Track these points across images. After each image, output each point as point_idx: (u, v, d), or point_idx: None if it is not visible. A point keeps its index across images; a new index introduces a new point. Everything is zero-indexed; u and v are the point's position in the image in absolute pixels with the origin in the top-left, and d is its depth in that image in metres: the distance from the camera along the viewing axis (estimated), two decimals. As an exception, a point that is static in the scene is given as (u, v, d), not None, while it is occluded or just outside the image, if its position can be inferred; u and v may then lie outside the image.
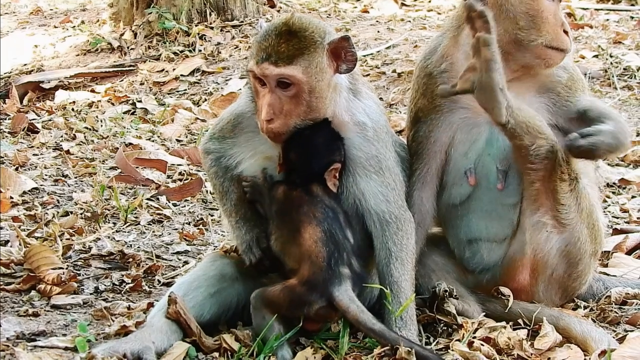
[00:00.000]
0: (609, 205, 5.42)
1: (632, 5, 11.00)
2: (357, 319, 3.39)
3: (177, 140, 7.20)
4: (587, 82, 6.96)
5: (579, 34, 9.00)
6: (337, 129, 3.60)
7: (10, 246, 4.48)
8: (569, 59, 3.85)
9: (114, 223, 5.12)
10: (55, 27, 11.31)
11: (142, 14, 10.01)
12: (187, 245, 4.87)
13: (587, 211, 3.76)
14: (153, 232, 5.04)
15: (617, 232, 4.86)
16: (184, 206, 5.55)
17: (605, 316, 3.81)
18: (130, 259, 4.51)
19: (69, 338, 3.48)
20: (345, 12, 10.88)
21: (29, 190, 5.54)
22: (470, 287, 3.90)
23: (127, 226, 5.10)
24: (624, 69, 7.88)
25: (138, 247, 4.77)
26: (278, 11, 10.45)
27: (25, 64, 10.10)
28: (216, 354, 3.47)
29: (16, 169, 5.94)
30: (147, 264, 4.45)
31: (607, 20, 9.95)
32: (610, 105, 6.94)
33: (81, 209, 5.27)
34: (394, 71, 8.36)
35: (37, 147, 6.70)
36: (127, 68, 9.45)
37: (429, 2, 11.70)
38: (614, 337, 3.58)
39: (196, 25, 9.94)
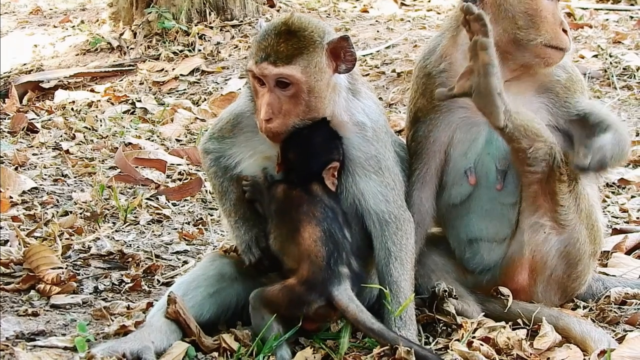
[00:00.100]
0: (608, 205, 5.42)
1: (632, 5, 10.99)
2: (356, 318, 3.39)
3: (176, 140, 7.20)
4: (587, 82, 6.97)
5: (579, 33, 9.00)
6: (336, 128, 3.60)
7: (10, 246, 4.48)
8: (568, 58, 3.85)
9: (114, 223, 5.12)
10: (55, 26, 11.30)
11: (142, 13, 10.01)
12: (187, 245, 4.87)
13: (586, 212, 3.76)
14: (152, 231, 5.04)
15: (616, 232, 4.86)
16: (184, 206, 5.55)
17: (605, 316, 3.81)
18: (130, 259, 4.51)
19: (69, 338, 3.48)
20: (344, 12, 10.88)
21: (28, 190, 5.54)
22: (470, 287, 3.90)
23: (126, 226, 5.10)
24: (624, 68, 7.88)
25: (137, 247, 4.77)
26: (278, 11, 10.44)
27: (24, 64, 10.10)
28: (215, 354, 3.47)
29: (16, 169, 5.94)
30: (146, 264, 4.45)
31: (607, 20, 9.94)
32: (609, 105, 6.97)
33: (81, 208, 5.27)
34: (394, 71, 8.35)
35: (37, 147, 6.71)
36: (127, 68, 9.45)
37: (429, 1, 11.70)
38: (613, 337, 3.58)
39: (196, 25, 9.93)
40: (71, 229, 4.85)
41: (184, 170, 6.22)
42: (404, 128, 4.26)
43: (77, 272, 4.32)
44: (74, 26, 11.15)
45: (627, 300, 3.96)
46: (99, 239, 4.76)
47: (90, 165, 6.19)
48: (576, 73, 3.92)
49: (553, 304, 3.85)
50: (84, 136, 7.09)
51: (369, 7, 11.27)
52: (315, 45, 3.46)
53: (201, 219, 5.31)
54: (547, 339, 3.52)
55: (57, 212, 5.16)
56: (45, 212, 5.12)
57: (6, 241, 4.57)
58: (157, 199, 5.58)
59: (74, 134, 7.11)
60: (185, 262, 4.57)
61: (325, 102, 3.52)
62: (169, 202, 5.55)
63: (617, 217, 5.27)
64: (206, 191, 5.69)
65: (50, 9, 12.49)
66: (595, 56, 8.23)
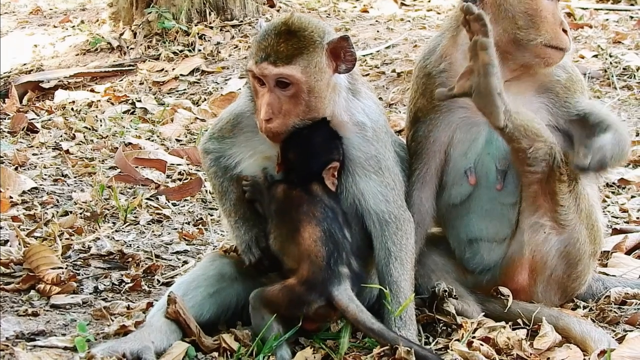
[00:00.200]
0: (608, 205, 5.42)
1: (632, 5, 10.99)
2: (356, 318, 3.39)
3: (176, 139, 7.20)
4: (587, 82, 6.97)
5: (579, 33, 9.00)
6: (336, 129, 3.60)
7: (10, 246, 4.48)
8: (568, 58, 3.85)
9: (114, 223, 5.12)
10: (55, 26, 11.30)
11: (142, 13, 10.01)
12: (187, 245, 4.87)
13: (586, 212, 3.76)
14: (152, 231, 5.04)
15: (616, 232, 4.86)
16: (184, 206, 5.55)
17: (605, 316, 3.81)
18: (130, 259, 4.51)
19: (69, 338, 3.48)
20: (344, 12, 10.88)
21: (28, 190, 5.54)
22: (470, 287, 3.90)
23: (126, 226, 5.10)
24: (624, 68, 7.88)
25: (137, 247, 4.77)
26: (278, 11, 10.44)
27: (24, 64, 10.10)
28: (215, 354, 3.47)
29: (16, 169, 5.94)
30: (146, 264, 4.45)
31: (607, 20, 9.94)
32: (609, 105, 6.97)
33: (81, 208, 5.27)
34: (394, 71, 8.35)
35: (37, 147, 6.71)
36: (127, 68, 9.45)
37: (429, 1, 11.69)
38: (613, 337, 3.58)
39: (196, 25, 9.93)
40: (71, 229, 4.85)
41: (184, 170, 6.22)
42: (404, 128, 4.26)
43: (77, 272, 4.32)
44: (74, 26, 11.15)
45: (627, 300, 3.96)
46: (99, 239, 4.76)
47: (90, 165, 6.19)
48: (576, 73, 3.91)
49: (553, 304, 3.85)
50: (84, 136, 7.09)
51: (369, 7, 11.26)
52: (315, 45, 3.46)
53: (201, 219, 5.31)
54: (547, 339, 3.52)
55: (57, 212, 5.16)
56: (45, 212, 5.12)
57: (6, 241, 4.57)
58: (157, 199, 5.58)
59: (74, 134, 7.11)
60: (185, 262, 4.57)
61: (325, 102, 3.52)
62: (169, 202, 5.55)
63: (617, 217, 5.27)
64: (206, 191, 5.69)
65: (50, 9, 12.49)
66: (595, 56, 8.23)
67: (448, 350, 3.46)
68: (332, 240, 3.45)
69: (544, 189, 3.66)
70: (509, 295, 3.77)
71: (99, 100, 8.53)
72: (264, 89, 3.48)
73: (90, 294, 4.10)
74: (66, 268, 4.24)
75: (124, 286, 4.19)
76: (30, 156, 6.35)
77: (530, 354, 3.45)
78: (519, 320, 3.70)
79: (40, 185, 5.68)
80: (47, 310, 3.84)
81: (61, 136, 7.05)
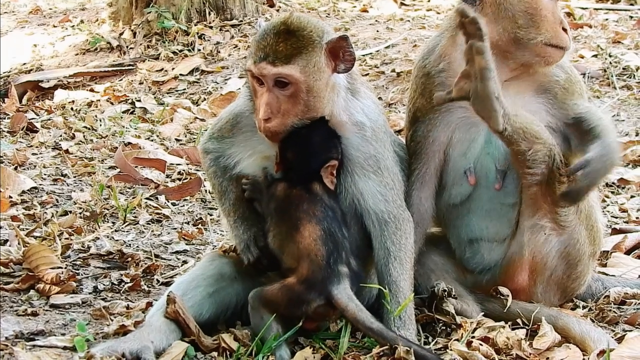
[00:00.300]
0: (607, 205, 5.42)
1: (631, 4, 10.98)
2: (356, 317, 3.39)
3: (176, 139, 7.20)
4: (587, 81, 6.98)
5: (578, 33, 9.00)
6: (335, 128, 3.60)
7: (9, 245, 4.48)
8: (567, 60, 3.85)
9: (113, 222, 5.12)
10: (55, 26, 11.30)
11: (141, 13, 10.01)
12: (186, 244, 4.87)
13: (585, 212, 3.76)
14: (152, 231, 5.04)
15: (616, 231, 4.86)
16: (183, 206, 5.55)
17: (604, 316, 3.81)
18: (129, 259, 4.51)
19: (68, 337, 3.48)
20: (344, 12, 10.87)
21: (28, 190, 5.54)
22: (469, 287, 3.90)
23: (126, 226, 5.10)
24: (623, 68, 7.87)
25: (137, 247, 4.77)
26: (277, 10, 10.44)
27: (24, 63, 10.10)
28: (215, 354, 3.47)
29: (15, 169, 5.94)
30: (146, 264, 4.45)
31: (606, 19, 9.94)
32: (609, 105, 6.97)
33: (80, 208, 5.27)
34: (393, 71, 8.35)
35: (36, 147, 6.70)
36: (126, 67, 9.45)
37: (428, 1, 11.69)
38: (612, 337, 3.58)
39: (195, 25, 9.93)
40: (71, 229, 4.85)
41: (184, 170, 6.22)
42: (404, 128, 4.26)
43: (77, 271, 4.32)
44: (73, 26, 11.15)
45: (627, 300, 3.96)
46: (98, 238, 4.76)
47: (89, 165, 6.19)
48: (575, 74, 3.91)
49: (552, 304, 3.85)
50: (84, 136, 7.08)
51: (369, 7, 11.26)
52: (314, 44, 3.46)
53: (201, 218, 5.31)
54: (547, 339, 3.53)
55: (57, 211, 5.15)
56: (45, 212, 5.12)
57: (6, 241, 4.56)
58: (157, 198, 5.58)
59: (73, 134, 7.11)
60: (185, 262, 4.57)
61: (324, 102, 3.52)
62: (168, 201, 5.55)
63: (616, 217, 5.27)
64: (206, 191, 5.69)
65: (50, 9, 12.48)
66: (595, 56, 8.23)
67: (447, 350, 3.46)
68: (331, 239, 3.45)
69: (543, 190, 3.66)
70: (508, 295, 3.77)
71: (99, 100, 8.53)
72: (262, 88, 3.49)
73: (89, 293, 4.10)
74: (65, 268, 4.24)
75: (123, 286, 4.19)
76: (30, 156, 6.34)
77: (530, 354, 3.45)
78: (519, 320, 3.70)
79: (40, 185, 5.68)
80: (47, 310, 3.84)
81: (61, 136, 7.05)
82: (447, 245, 4.00)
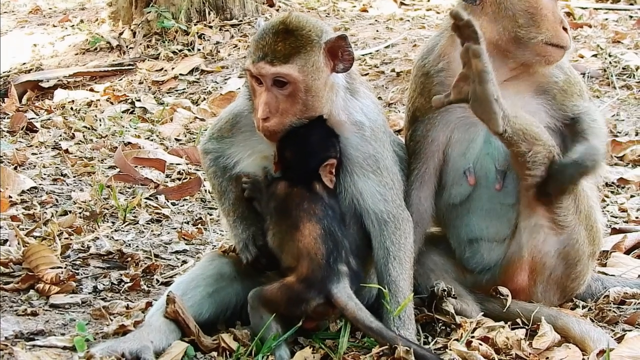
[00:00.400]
0: (607, 205, 5.42)
1: (631, 4, 10.98)
2: (355, 316, 3.39)
3: (176, 139, 7.20)
4: (586, 81, 6.97)
5: (578, 33, 9.00)
6: (334, 128, 3.59)
7: (9, 245, 4.48)
8: (567, 60, 3.85)
9: (113, 222, 5.12)
10: (54, 26, 11.30)
11: (141, 13, 10.01)
12: (186, 244, 4.87)
13: (585, 212, 3.76)
14: (152, 231, 5.04)
15: (615, 231, 4.86)
16: (183, 205, 5.55)
17: (604, 316, 3.81)
18: (129, 258, 4.51)
19: (68, 337, 3.48)
20: (344, 11, 10.87)
21: (27, 190, 5.54)
22: (469, 287, 3.90)
23: (125, 225, 5.10)
24: (623, 68, 7.87)
25: (137, 247, 4.77)
26: (277, 10, 10.44)
27: (24, 63, 10.10)
28: (214, 354, 3.47)
29: (15, 168, 5.94)
30: (145, 264, 4.45)
31: (606, 19, 9.94)
32: (609, 105, 6.97)
33: (80, 208, 5.27)
34: (393, 70, 8.35)
35: (36, 146, 6.70)
36: (126, 67, 9.45)
37: (428, 1, 11.69)
38: (612, 337, 3.58)
39: (195, 25, 9.93)
40: (70, 229, 4.85)
41: (183, 170, 6.22)
42: (403, 127, 4.26)
43: (76, 271, 4.32)
44: (73, 25, 11.14)
45: (626, 300, 3.96)
46: (98, 238, 4.75)
47: (89, 165, 6.19)
48: (574, 75, 3.91)
49: (552, 304, 3.85)
50: (84, 135, 7.08)
51: (369, 7, 11.26)
52: (312, 44, 3.46)
53: (200, 218, 5.31)
54: (546, 339, 3.53)
55: (57, 211, 5.15)
56: (45, 212, 5.12)
57: (5, 241, 4.56)
58: (157, 198, 5.58)
59: (73, 134, 7.11)
60: (185, 262, 4.57)
61: (323, 101, 3.52)
62: (168, 201, 5.55)
63: (616, 217, 5.27)
64: (205, 191, 5.69)
65: (50, 9, 12.48)
66: (595, 56, 8.23)
67: (447, 350, 3.46)
68: (331, 238, 3.46)
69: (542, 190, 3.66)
70: (508, 295, 3.77)
71: (99, 100, 8.53)
72: (261, 88, 3.49)
73: (89, 293, 4.10)
74: (65, 268, 4.24)
75: (123, 286, 4.19)
76: (30, 156, 6.34)
77: (529, 354, 3.45)
78: (518, 320, 3.70)
79: (40, 184, 5.67)
80: (47, 310, 3.84)
81: (60, 135, 7.05)
82: (447, 245, 4.00)
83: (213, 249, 4.67)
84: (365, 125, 3.62)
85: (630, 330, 3.67)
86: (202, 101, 8.34)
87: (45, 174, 5.94)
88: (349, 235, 3.55)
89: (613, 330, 3.71)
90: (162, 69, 9.32)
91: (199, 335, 3.50)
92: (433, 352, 3.40)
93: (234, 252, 3.87)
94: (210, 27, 9.96)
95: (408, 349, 3.25)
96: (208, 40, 9.76)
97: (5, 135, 6.96)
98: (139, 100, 8.39)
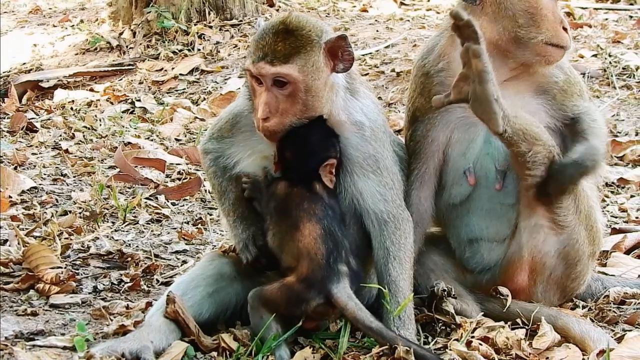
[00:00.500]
0: (607, 205, 5.42)
1: (631, 4, 10.98)
2: (355, 316, 3.39)
3: (176, 139, 7.20)
4: (586, 81, 6.97)
5: (578, 33, 9.00)
6: (334, 128, 3.59)
7: (9, 245, 4.48)
8: (566, 60, 3.85)
9: (113, 222, 5.12)
10: (54, 26, 11.30)
11: (141, 13, 10.01)
12: (186, 244, 4.87)
13: (585, 213, 3.76)
14: (152, 231, 5.04)
15: (615, 231, 4.86)
16: (183, 205, 5.55)
17: (604, 316, 3.81)
18: (129, 258, 4.51)
19: (68, 337, 3.48)
20: (344, 11, 10.87)
21: (27, 190, 5.54)
22: (469, 287, 3.90)
23: (125, 225, 5.10)
24: (623, 68, 7.87)
25: (137, 247, 4.77)
26: (277, 10, 10.44)
27: (24, 63, 10.10)
28: (214, 354, 3.47)
29: (15, 168, 5.94)
30: (145, 264, 4.45)
31: (606, 19, 9.94)
32: (609, 105, 6.96)
33: (80, 208, 5.27)
34: (393, 70, 8.35)
35: (36, 146, 6.70)
36: (126, 67, 9.45)
37: (428, 1, 11.68)
38: (612, 337, 3.58)
39: (195, 25, 9.93)
40: (70, 229, 4.85)
41: (183, 170, 6.22)
42: (403, 127, 4.26)
43: (76, 271, 4.32)
44: (73, 25, 11.14)
45: (626, 300, 3.96)
46: (98, 238, 4.75)
47: (89, 165, 6.19)
48: (574, 76, 3.91)
49: (552, 304, 3.85)
50: (84, 135, 7.08)
51: (369, 7, 11.26)
52: (312, 44, 3.46)
53: (200, 218, 5.31)
54: (546, 339, 3.53)
55: (57, 211, 5.15)
56: (45, 212, 5.12)
57: (5, 241, 4.56)
58: (157, 198, 5.57)
59: (73, 134, 7.11)
60: (185, 262, 4.57)
61: (323, 101, 3.52)
62: (168, 201, 5.55)
63: (616, 217, 5.27)
64: (205, 191, 5.69)
65: (50, 9, 12.48)
66: (595, 55, 8.23)
67: (447, 350, 3.46)
68: (331, 238, 3.46)
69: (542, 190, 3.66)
70: (508, 295, 3.77)
71: (99, 100, 8.53)
72: (261, 88, 3.49)
73: (89, 293, 4.10)
74: (65, 268, 4.24)
75: (123, 286, 4.19)
76: (30, 155, 6.34)
77: (529, 354, 3.45)
78: (518, 320, 3.70)
79: (40, 184, 5.67)
80: (46, 310, 3.84)
81: (60, 135, 7.05)
82: (447, 245, 4.00)
83: (213, 249, 4.67)
84: (365, 125, 3.62)
85: (630, 330, 3.67)
86: (202, 101, 8.34)
87: (45, 174, 5.94)
88: (349, 235, 3.55)
89: (613, 330, 3.71)
90: (162, 69, 9.32)
91: (199, 335, 3.50)
92: (433, 352, 3.40)
93: (234, 252, 3.87)
94: (210, 27, 9.96)
95: (408, 349, 3.25)
96: (208, 40, 9.76)
97: (5, 135, 6.97)
98: (139, 100, 8.39)
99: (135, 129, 7.41)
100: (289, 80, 3.44)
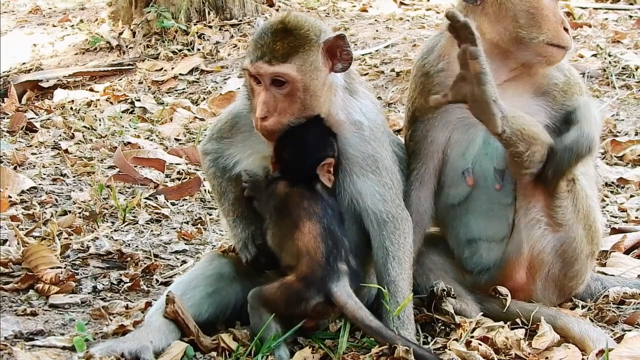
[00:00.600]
0: (607, 205, 5.41)
1: (631, 4, 10.98)
2: (355, 315, 3.39)
3: (175, 139, 7.20)
4: (586, 81, 6.97)
5: (578, 33, 8.99)
6: (333, 127, 3.59)
7: (9, 245, 4.48)
8: (566, 60, 3.85)
9: (112, 222, 5.12)
10: (54, 26, 11.30)
11: (141, 12, 10.01)
12: (186, 244, 4.87)
13: (584, 212, 3.76)
14: (151, 231, 5.04)
15: (615, 231, 4.85)
16: (183, 205, 5.55)
17: (603, 316, 3.81)
18: (129, 258, 4.51)
19: (67, 337, 3.48)
20: (344, 11, 10.87)
21: (27, 190, 5.54)
22: (468, 287, 3.90)
23: (125, 225, 5.10)
24: (623, 68, 7.87)
25: (136, 247, 4.77)
26: (277, 10, 10.44)
27: (24, 63, 10.10)
28: (214, 354, 3.47)
29: (14, 168, 5.94)
30: (145, 264, 4.45)
31: (606, 19, 9.94)
32: (608, 105, 6.96)
33: (79, 208, 5.27)
34: (393, 70, 8.35)
35: (36, 146, 6.70)
36: (126, 67, 9.45)
37: (428, 1, 11.68)
38: (611, 337, 3.58)
39: (195, 24, 9.94)
40: (70, 229, 4.85)
41: (183, 170, 6.22)
42: (403, 127, 4.26)
43: (76, 271, 4.32)
44: (73, 25, 11.15)
45: (626, 300, 3.96)
46: (97, 238, 4.76)
47: (89, 165, 6.19)
48: (574, 76, 3.91)
49: (551, 303, 3.85)
50: (83, 135, 7.08)
51: (368, 7, 11.25)
52: (311, 43, 3.46)
53: (200, 218, 5.31)
54: (546, 339, 3.53)
55: (56, 211, 5.15)
56: (44, 212, 5.12)
57: (5, 241, 4.56)
58: (156, 198, 5.58)
59: (73, 134, 7.11)
60: (184, 262, 4.57)
61: (321, 101, 3.52)
62: (167, 201, 5.55)
63: (616, 217, 5.27)
64: (205, 191, 5.69)
65: (50, 8, 12.48)
66: (594, 55, 8.23)
67: (446, 350, 3.45)
68: (331, 237, 3.46)
69: (539, 185, 3.66)
70: (507, 295, 3.77)
71: (98, 100, 8.53)
72: (260, 87, 3.49)
73: (89, 293, 4.10)
74: (65, 268, 4.24)
75: (122, 286, 4.19)
76: (29, 155, 6.34)
77: (529, 354, 3.45)
78: (518, 320, 3.70)
79: (39, 184, 5.68)
80: (46, 310, 3.84)
81: (60, 135, 7.05)
82: (446, 245, 4.00)
83: (213, 249, 4.67)
84: (364, 125, 3.62)
85: (630, 330, 3.67)
86: (201, 101, 8.34)
87: (45, 174, 5.94)
88: (348, 234, 3.55)
89: (612, 330, 3.71)
90: (161, 68, 9.32)
91: (199, 335, 3.50)
92: (432, 352, 3.40)
93: (233, 252, 3.87)
94: (210, 27, 9.97)
95: (407, 348, 3.25)
96: (208, 40, 9.77)
97: (5, 135, 6.97)
98: (139, 100, 8.39)
99: (135, 128, 7.41)
100: (287, 79, 3.44)
